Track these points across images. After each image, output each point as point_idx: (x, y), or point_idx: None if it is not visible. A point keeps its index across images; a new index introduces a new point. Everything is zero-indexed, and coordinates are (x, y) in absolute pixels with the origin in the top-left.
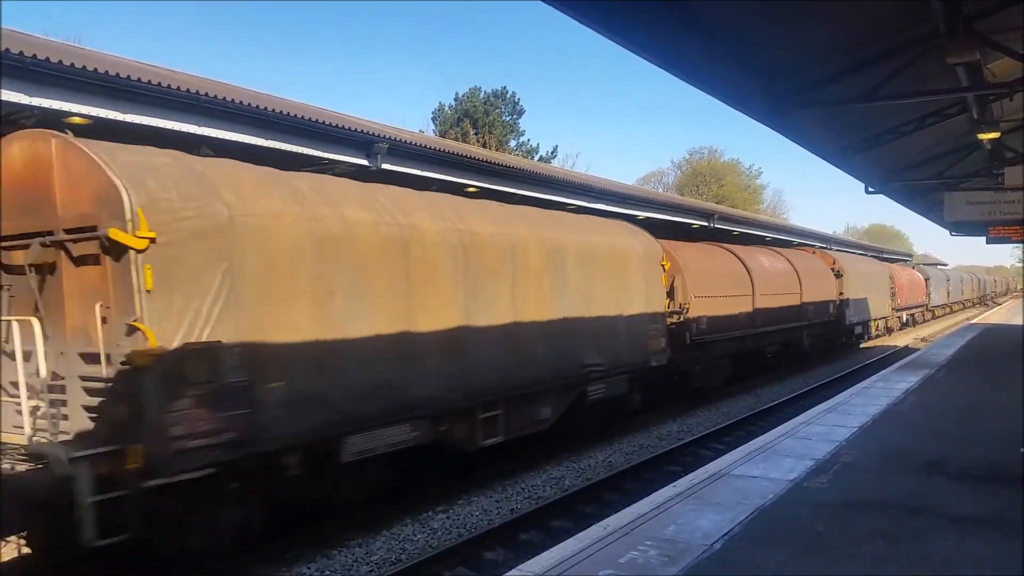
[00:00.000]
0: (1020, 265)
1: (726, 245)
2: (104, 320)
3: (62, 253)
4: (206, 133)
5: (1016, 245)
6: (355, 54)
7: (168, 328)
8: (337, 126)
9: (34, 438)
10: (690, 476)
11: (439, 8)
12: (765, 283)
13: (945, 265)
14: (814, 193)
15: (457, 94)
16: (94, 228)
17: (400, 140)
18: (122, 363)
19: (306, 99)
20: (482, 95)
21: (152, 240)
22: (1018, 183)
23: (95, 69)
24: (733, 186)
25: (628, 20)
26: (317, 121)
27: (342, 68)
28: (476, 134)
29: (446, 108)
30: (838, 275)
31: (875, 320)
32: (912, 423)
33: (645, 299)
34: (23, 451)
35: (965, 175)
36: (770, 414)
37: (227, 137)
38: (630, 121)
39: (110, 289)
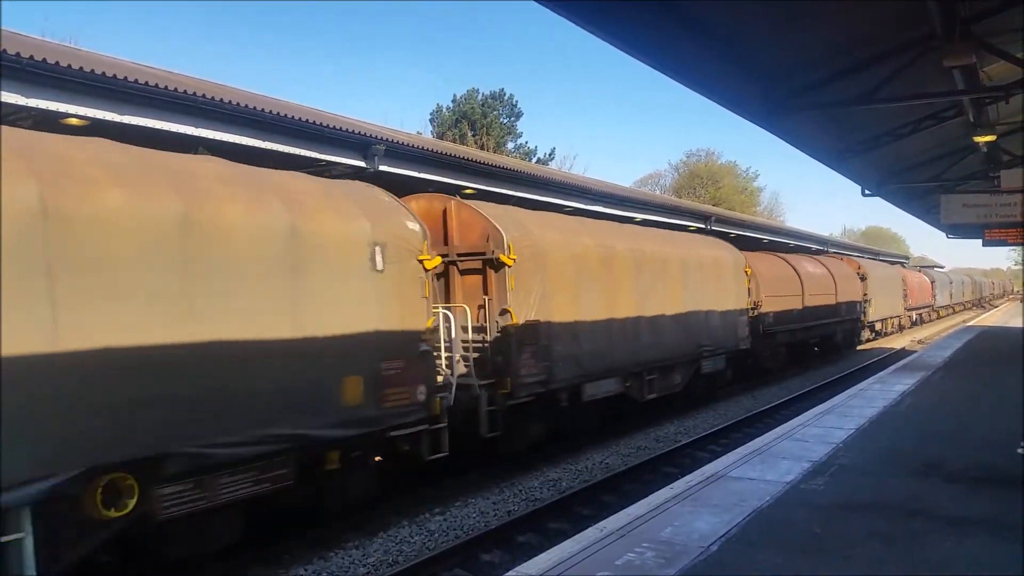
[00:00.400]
0: (1016, 267)
1: (781, 254)
2: (481, 307)
3: (453, 268)
4: (203, 135)
5: (1012, 248)
6: (353, 55)
7: (519, 312)
8: (334, 128)
9: (455, 376)
10: (687, 478)
11: (437, 9)
12: (811, 285)
13: (942, 267)
14: (811, 195)
15: (455, 96)
16: (483, 253)
17: (397, 142)
18: (498, 332)
19: (304, 100)
20: (480, 97)
21: (514, 260)
22: (1014, 186)
23: (92, 70)
24: (730, 188)
25: (623, 22)
26: (314, 123)
27: (340, 69)
28: (474, 136)
29: (444, 110)
30: (863, 278)
31: (891, 318)
32: (909, 425)
33: (735, 297)
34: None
35: (961, 178)
36: (767, 416)
37: (224, 139)
38: (628, 123)
39: (491, 288)
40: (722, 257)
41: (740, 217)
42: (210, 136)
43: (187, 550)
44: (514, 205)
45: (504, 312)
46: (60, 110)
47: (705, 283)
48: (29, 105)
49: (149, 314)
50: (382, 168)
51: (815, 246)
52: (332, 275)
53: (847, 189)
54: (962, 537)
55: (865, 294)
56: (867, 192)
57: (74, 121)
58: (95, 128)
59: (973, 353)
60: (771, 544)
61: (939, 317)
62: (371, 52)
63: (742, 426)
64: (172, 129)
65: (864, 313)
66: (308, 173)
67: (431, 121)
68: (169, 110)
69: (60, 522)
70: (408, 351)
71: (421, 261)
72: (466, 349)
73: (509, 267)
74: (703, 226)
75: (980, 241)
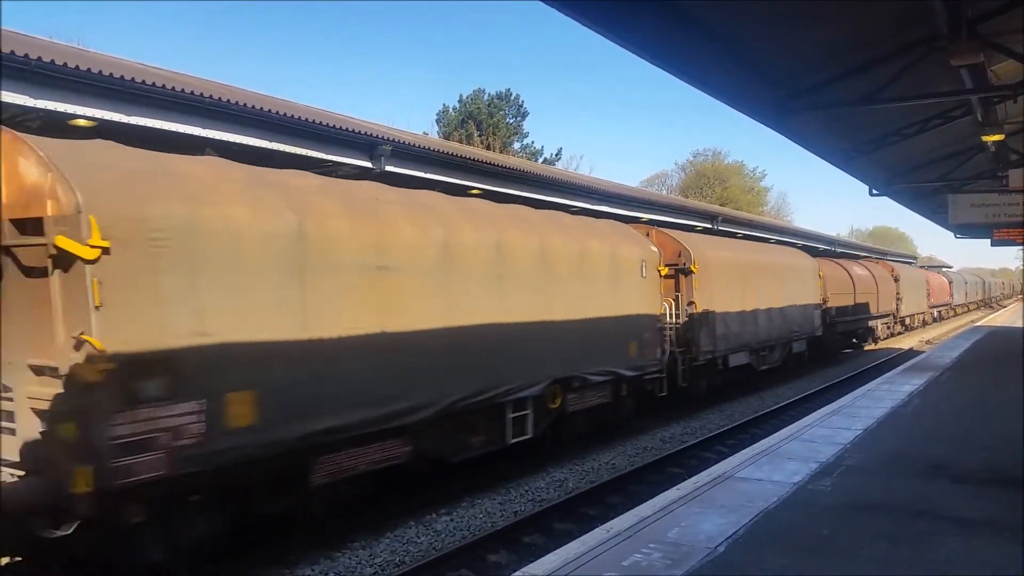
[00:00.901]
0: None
1: (838, 260)
2: (674, 300)
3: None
4: (210, 135)
5: (1021, 247)
6: (358, 55)
7: (700, 304)
8: (341, 128)
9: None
10: (694, 479)
11: (442, 9)
12: (860, 286)
13: (950, 267)
14: (818, 195)
15: (461, 96)
16: (676, 264)
17: (403, 142)
18: (686, 317)
19: (309, 100)
20: (486, 97)
21: (698, 269)
22: (1022, 185)
23: (99, 71)
24: (737, 188)
25: (630, 22)
26: (321, 123)
27: (345, 69)
28: (480, 136)
29: (450, 110)
30: (896, 280)
31: (917, 314)
32: (916, 426)
33: (812, 295)
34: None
35: (969, 177)
36: (774, 416)
37: (231, 139)
38: (634, 123)
39: (683, 288)
40: (804, 264)
41: (747, 217)
42: (217, 136)
43: (572, 433)
44: (520, 204)
45: (691, 303)
46: (68, 111)
47: (794, 284)
48: (37, 106)
49: (573, 301)
50: (388, 168)
51: (823, 246)
52: (626, 280)
53: (854, 189)
54: (968, 538)
55: (898, 294)
56: (875, 192)
57: (81, 122)
58: (102, 129)
59: (980, 354)
60: (778, 545)
61: (956, 315)
62: (376, 53)
63: (749, 427)
64: (179, 130)
65: (897, 309)
66: (315, 173)
67: (437, 122)
68: (176, 111)
69: (539, 407)
70: (653, 326)
71: (659, 271)
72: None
73: (695, 273)
74: (710, 226)
75: (988, 241)
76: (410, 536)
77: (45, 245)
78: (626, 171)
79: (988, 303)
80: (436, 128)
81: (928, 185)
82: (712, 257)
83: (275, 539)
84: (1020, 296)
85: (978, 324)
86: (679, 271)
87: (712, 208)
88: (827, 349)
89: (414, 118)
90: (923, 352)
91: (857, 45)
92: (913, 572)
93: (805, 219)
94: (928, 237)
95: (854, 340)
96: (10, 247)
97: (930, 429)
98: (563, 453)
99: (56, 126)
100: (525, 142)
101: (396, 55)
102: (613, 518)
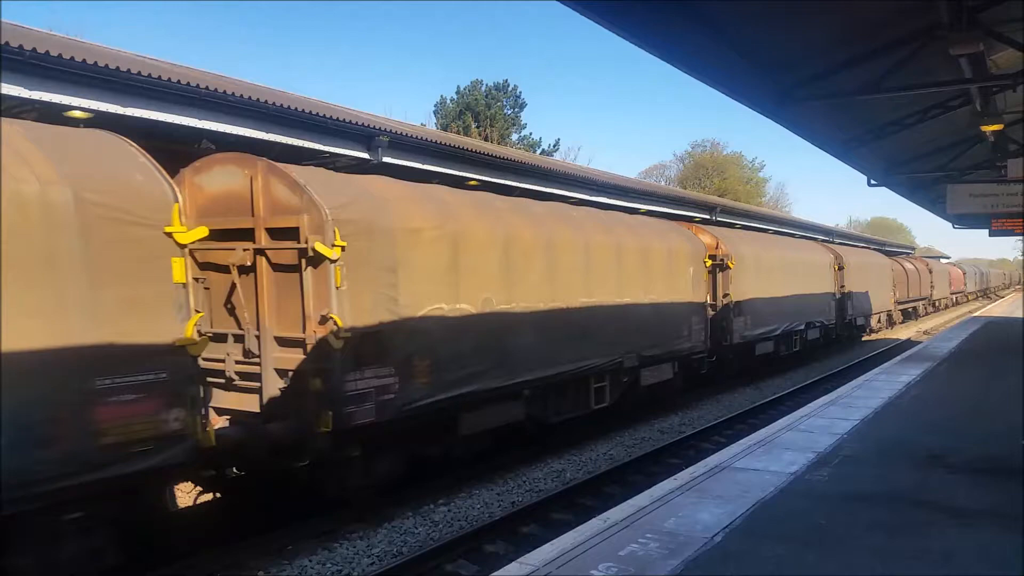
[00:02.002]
0: (1022, 258)
1: (897, 258)
2: (835, 284)
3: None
4: (206, 126)
5: (1019, 238)
6: (357, 47)
7: (847, 287)
8: (338, 119)
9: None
10: (691, 469)
11: (440, 2)
12: (911, 278)
13: (948, 258)
14: (817, 186)
15: (459, 87)
16: (838, 264)
17: (401, 133)
18: (840, 295)
19: (307, 93)
20: (484, 88)
21: (846, 267)
22: (1020, 175)
23: (95, 63)
24: (735, 179)
25: (632, 15)
26: (318, 114)
27: (343, 62)
28: (478, 127)
29: (448, 101)
30: (930, 272)
31: (942, 299)
32: (914, 416)
33: (888, 283)
34: None
35: (968, 167)
36: (771, 407)
37: (228, 131)
38: (632, 114)
39: (837, 278)
40: (883, 261)
41: (744, 207)
42: (213, 128)
43: (807, 351)
44: (520, 196)
45: (842, 287)
46: (63, 103)
47: (879, 275)
48: (32, 98)
49: (807, 284)
50: (386, 160)
51: (821, 237)
52: (821, 274)
53: (852, 180)
54: (966, 528)
55: (931, 283)
56: (873, 182)
57: (77, 114)
58: (98, 121)
59: (977, 344)
60: (775, 535)
61: (967, 300)
62: (374, 45)
63: (746, 417)
64: (175, 121)
65: (931, 294)
66: (313, 165)
67: (435, 113)
68: (173, 102)
69: (801, 336)
70: (832, 299)
71: (834, 268)
72: None
73: (844, 269)
74: (708, 216)
75: (986, 231)
76: (408, 527)
77: None
78: (625, 162)
79: (986, 293)
80: (434, 120)
81: (926, 175)
82: (851, 259)
83: (273, 530)
84: (1019, 287)
85: (975, 315)
86: (839, 268)
87: (711, 199)
88: (892, 321)
89: (412, 110)
90: (920, 342)
91: (858, 35)
92: (911, 563)
93: (804, 210)
94: (925, 228)
95: (901, 315)
96: None
97: (928, 419)
98: (561, 444)
99: (53, 118)
100: (523, 133)
101: (394, 47)
102: (611, 508)
